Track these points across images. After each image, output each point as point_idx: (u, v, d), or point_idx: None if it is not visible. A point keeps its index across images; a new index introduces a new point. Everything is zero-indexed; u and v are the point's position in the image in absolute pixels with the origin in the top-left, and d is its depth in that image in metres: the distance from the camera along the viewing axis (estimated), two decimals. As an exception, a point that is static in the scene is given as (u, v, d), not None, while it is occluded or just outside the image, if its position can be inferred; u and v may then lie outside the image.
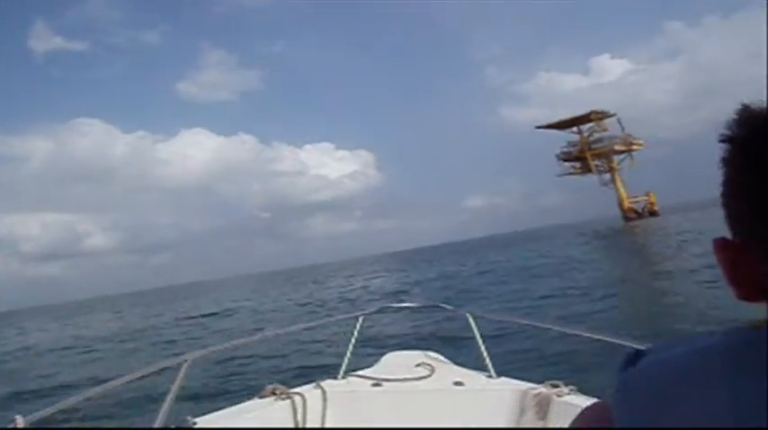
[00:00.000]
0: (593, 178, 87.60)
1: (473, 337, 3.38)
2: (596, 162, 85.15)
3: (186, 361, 2.61)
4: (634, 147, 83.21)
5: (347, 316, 3.76)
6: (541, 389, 2.87)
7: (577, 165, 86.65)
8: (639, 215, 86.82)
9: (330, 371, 3.37)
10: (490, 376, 3.20)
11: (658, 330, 9.53)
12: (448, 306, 3.92)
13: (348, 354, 3.38)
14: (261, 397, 2.96)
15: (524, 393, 2.90)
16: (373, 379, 3.19)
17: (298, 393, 2.96)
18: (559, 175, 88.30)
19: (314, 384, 3.16)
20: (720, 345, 0.45)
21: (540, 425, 2.73)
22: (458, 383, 3.10)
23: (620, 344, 2.44)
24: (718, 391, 0.42)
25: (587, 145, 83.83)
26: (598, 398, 2.24)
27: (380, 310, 3.94)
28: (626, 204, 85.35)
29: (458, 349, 5.32)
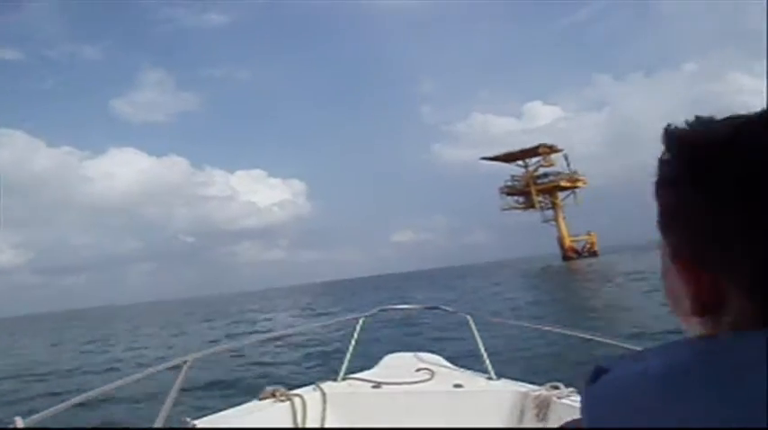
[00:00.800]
0: (534, 215, 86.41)
1: (473, 339, 3.45)
2: (540, 198, 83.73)
3: (186, 361, 2.58)
4: (579, 184, 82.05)
5: (347, 318, 3.76)
6: (541, 390, 2.94)
7: (521, 199, 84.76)
8: (579, 254, 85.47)
9: (330, 373, 3.42)
10: (490, 378, 3.24)
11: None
12: (448, 308, 4.15)
13: (348, 356, 3.39)
14: (260, 398, 2.98)
15: (524, 395, 2.98)
16: (373, 381, 3.22)
17: (297, 395, 2.99)
18: (503, 209, 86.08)
19: (313, 386, 3.17)
20: (682, 360, 0.45)
21: (540, 426, 2.78)
22: (457, 385, 3.15)
23: (617, 345, 2.75)
24: (683, 407, 0.42)
25: (533, 179, 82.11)
26: None
27: (381, 312, 3.90)
28: (567, 242, 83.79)
29: (457, 351, 5.21)
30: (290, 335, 5.62)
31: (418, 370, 3.34)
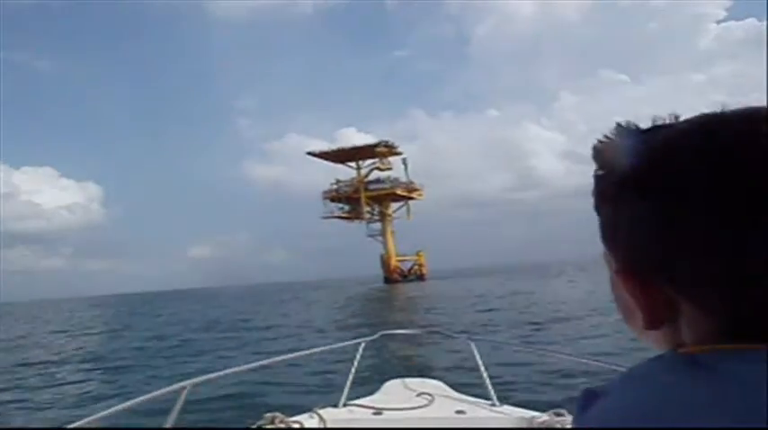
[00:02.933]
0: (358, 229, 74.65)
1: (475, 364, 3.46)
2: (368, 208, 72.20)
3: (185, 387, 2.58)
4: (414, 194, 71.89)
5: (348, 343, 3.75)
6: (545, 417, 2.92)
7: (346, 207, 72.44)
8: (405, 276, 75.64)
9: (330, 400, 3.39)
10: (493, 404, 3.21)
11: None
12: (449, 332, 4.45)
13: (348, 382, 3.35)
14: (259, 426, 2.96)
15: (527, 421, 2.97)
16: (374, 407, 3.17)
17: (297, 421, 2.98)
18: (325, 217, 72.40)
19: (314, 413, 3.15)
20: (668, 385, 0.45)
21: None
22: (459, 411, 3.11)
23: (607, 367, 3.06)
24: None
25: (363, 185, 70.32)
26: None
27: (382, 336, 3.90)
28: (393, 262, 73.09)
29: (459, 376, 5.26)
30: (289, 361, 4.40)
31: (419, 395, 3.30)
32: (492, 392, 3.22)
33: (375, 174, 70.04)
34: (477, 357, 3.44)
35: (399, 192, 68.55)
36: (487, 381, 3.28)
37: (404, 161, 70.70)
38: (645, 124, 0.51)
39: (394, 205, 72.50)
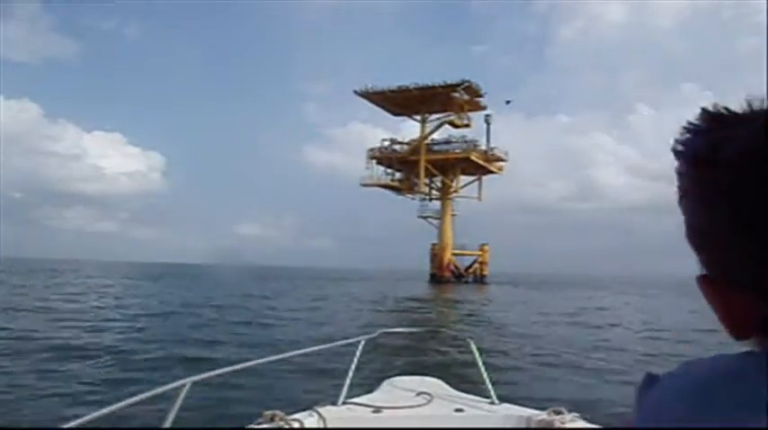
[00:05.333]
0: (409, 203, 56.86)
1: (474, 362, 3.49)
2: (427, 179, 54.05)
3: (185, 385, 2.51)
4: (493, 167, 53.10)
5: (348, 341, 3.74)
6: (544, 415, 2.96)
7: (396, 175, 54.63)
8: (460, 276, 57.72)
9: (330, 397, 3.36)
10: (492, 402, 3.22)
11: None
12: (450, 330, 5.48)
13: (348, 380, 3.30)
14: (258, 423, 2.91)
15: (526, 420, 3.00)
16: (373, 405, 3.13)
17: (296, 420, 2.94)
18: (365, 185, 54.36)
19: (313, 411, 3.11)
20: (744, 369, 0.45)
21: None
22: (458, 409, 3.12)
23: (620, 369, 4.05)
24: (712, 420, 0.43)
25: (426, 144, 52.21)
26: (601, 425, 2.91)
27: (382, 334, 3.91)
28: (447, 255, 55.13)
29: (459, 374, 5.21)
30: (289, 358, 3.81)
31: (419, 394, 3.27)
32: (491, 390, 3.25)
33: (444, 132, 51.86)
34: (477, 355, 3.51)
35: (475, 158, 49.71)
36: (486, 380, 3.31)
37: (486, 119, 52.02)
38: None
39: (463, 179, 53.96)
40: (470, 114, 50.54)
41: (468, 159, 49.40)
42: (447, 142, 51.24)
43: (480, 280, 56.20)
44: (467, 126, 50.85)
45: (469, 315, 24.38)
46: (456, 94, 47.79)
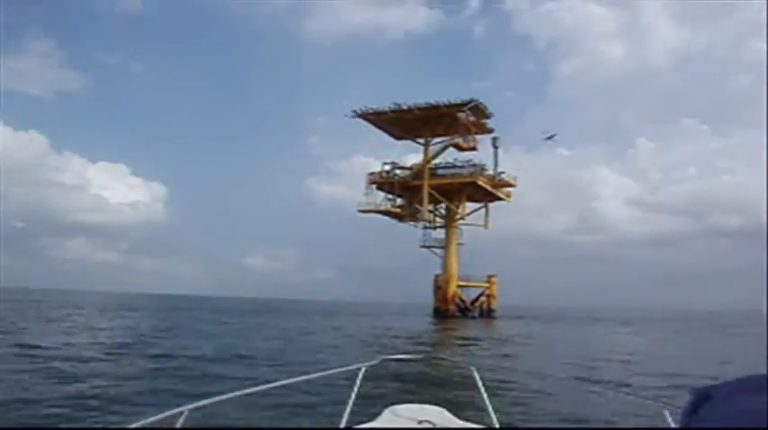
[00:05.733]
0: (412, 232, 53.52)
1: (476, 389, 3.51)
2: (431, 206, 50.87)
3: (183, 412, 2.48)
4: (501, 193, 49.88)
5: (348, 368, 3.75)
6: None
7: (397, 201, 51.46)
8: (466, 310, 54.00)
9: (330, 426, 3.58)
10: None
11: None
12: (452, 358, 5.01)
13: (348, 408, 3.32)
14: None
15: None
16: None
17: None
18: (362, 210, 51.20)
19: None
20: None
21: None
22: None
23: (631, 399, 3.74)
24: None
25: (430, 169, 49.34)
26: None
27: (382, 362, 3.82)
28: (452, 287, 51.63)
29: (461, 401, 5.24)
30: (289, 386, 3.44)
31: (420, 422, 3.20)
32: (494, 418, 3.28)
33: (449, 156, 48.95)
34: (479, 382, 3.52)
35: (482, 183, 46.63)
36: (489, 407, 3.33)
37: (494, 142, 49.16)
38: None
39: (468, 206, 50.75)
40: (476, 137, 47.69)
41: (474, 184, 46.34)
42: (452, 166, 48.23)
43: (488, 314, 52.49)
44: (473, 149, 47.99)
45: (482, 356, 20.77)
46: (462, 115, 45.02)
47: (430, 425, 3.15)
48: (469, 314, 51.88)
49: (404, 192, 49.09)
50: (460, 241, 51.54)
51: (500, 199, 50.28)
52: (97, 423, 8.88)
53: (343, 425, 3.21)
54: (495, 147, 48.78)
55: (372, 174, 49.65)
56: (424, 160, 48.17)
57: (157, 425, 2.42)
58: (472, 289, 52.65)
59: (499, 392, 8.73)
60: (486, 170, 47.96)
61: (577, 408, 9.03)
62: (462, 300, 52.04)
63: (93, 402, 10.21)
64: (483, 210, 50.80)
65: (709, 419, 0.46)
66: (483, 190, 47.48)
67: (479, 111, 45.59)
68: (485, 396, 3.35)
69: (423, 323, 43.50)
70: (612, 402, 8.55)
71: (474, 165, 46.90)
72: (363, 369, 3.54)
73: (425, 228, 52.26)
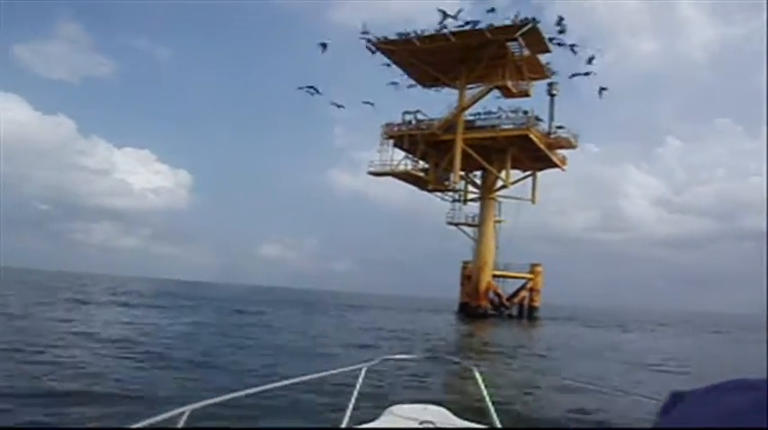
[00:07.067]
0: (436, 202, 42.42)
1: (478, 389, 3.49)
2: (459, 173, 39.59)
3: (184, 412, 2.42)
4: (556, 158, 37.67)
5: (350, 368, 3.71)
6: None
7: (419, 164, 38.91)
8: (501, 307, 42.93)
9: (331, 426, 3.52)
10: None
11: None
12: (453, 358, 4.25)
13: (350, 408, 3.30)
14: None
15: None
16: None
17: None
18: (373, 172, 40.12)
19: None
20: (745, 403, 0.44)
21: None
22: None
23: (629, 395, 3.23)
24: None
25: (464, 119, 38.21)
26: None
27: (384, 361, 3.84)
28: (486, 277, 40.52)
29: (462, 401, 5.15)
30: (290, 386, 3.16)
31: (422, 422, 3.19)
32: (495, 418, 3.25)
33: (490, 103, 37.62)
34: (480, 382, 3.49)
35: (535, 138, 35.00)
36: (491, 407, 3.30)
37: (550, 88, 37.56)
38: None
39: (516, 174, 39.24)
40: (530, 80, 36.22)
41: (525, 139, 34.72)
42: (495, 115, 36.58)
43: (528, 313, 41.12)
44: (524, 95, 36.47)
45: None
46: (513, 44, 33.49)
47: (431, 426, 3.13)
48: (505, 312, 40.63)
49: (430, 149, 37.87)
50: (499, 218, 40.25)
51: (554, 165, 38.78)
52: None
53: (344, 425, 3.22)
54: (551, 95, 37.29)
55: (389, 125, 38.47)
56: (459, 106, 36.77)
57: (158, 426, 2.32)
58: (509, 280, 41.33)
59: (500, 392, 8.78)
60: (541, 122, 36.49)
61: (578, 408, 9.10)
62: (498, 295, 40.76)
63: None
64: (530, 179, 39.38)
65: (680, 420, 0.47)
66: (533, 150, 36.00)
67: (537, 39, 33.92)
68: (486, 395, 3.35)
69: (447, 323, 32.43)
70: (612, 402, 8.74)
71: (525, 111, 35.33)
72: (365, 369, 3.56)
73: (454, 201, 41.18)
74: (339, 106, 41.68)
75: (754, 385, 0.46)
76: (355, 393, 3.37)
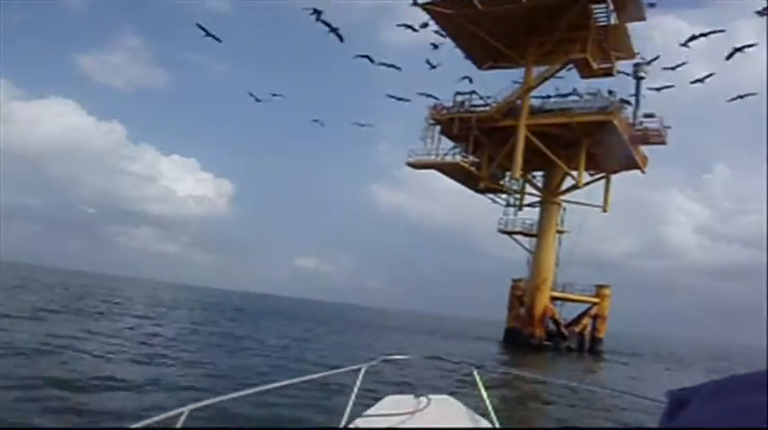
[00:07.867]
0: (485, 202, 36.01)
1: (477, 389, 3.49)
2: (514, 175, 32.99)
3: (183, 412, 2.39)
4: (638, 157, 30.88)
5: (349, 368, 3.72)
6: None
7: (469, 157, 32.44)
8: (557, 338, 35.88)
9: (330, 426, 3.36)
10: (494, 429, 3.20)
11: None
12: (452, 359, 4.36)
13: (349, 407, 3.27)
14: None
15: None
16: (373, 427, 3.05)
17: None
18: (412, 164, 33.89)
19: None
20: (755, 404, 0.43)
21: None
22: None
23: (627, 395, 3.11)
24: None
25: (530, 103, 31.82)
26: None
27: (383, 362, 3.86)
28: (544, 298, 33.69)
29: (461, 401, 4.52)
30: (289, 386, 3.19)
31: (420, 411, 3.24)
32: (495, 418, 3.24)
33: (561, 84, 31.33)
34: (479, 383, 3.49)
35: (619, 125, 28.25)
36: (490, 408, 3.30)
37: (636, 70, 30.98)
38: None
39: (588, 175, 32.45)
40: (615, 55, 29.72)
41: (605, 128, 28.07)
42: (567, 96, 30.15)
43: (591, 347, 33.88)
44: (607, 74, 29.94)
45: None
46: (600, 5, 27.16)
47: (430, 414, 3.13)
48: (563, 343, 33.47)
49: (484, 138, 31.57)
50: (562, 228, 33.49)
51: (633, 166, 31.95)
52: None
53: (342, 425, 3.17)
54: (638, 78, 30.62)
55: (437, 107, 32.35)
56: (524, 85, 30.46)
57: (157, 426, 2.33)
58: (575, 303, 34.27)
59: (500, 393, 8.87)
60: (627, 107, 29.85)
61: (578, 408, 9.08)
62: (556, 321, 33.68)
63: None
64: (602, 181, 32.58)
65: (687, 421, 0.46)
66: (613, 144, 29.28)
67: (628, 3, 27.51)
68: (485, 396, 3.36)
69: (488, 356, 25.53)
70: (612, 402, 8.83)
71: (610, 91, 28.74)
72: (364, 369, 3.57)
73: (509, 205, 34.62)
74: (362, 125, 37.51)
75: (756, 380, 0.45)
76: (354, 393, 3.36)
